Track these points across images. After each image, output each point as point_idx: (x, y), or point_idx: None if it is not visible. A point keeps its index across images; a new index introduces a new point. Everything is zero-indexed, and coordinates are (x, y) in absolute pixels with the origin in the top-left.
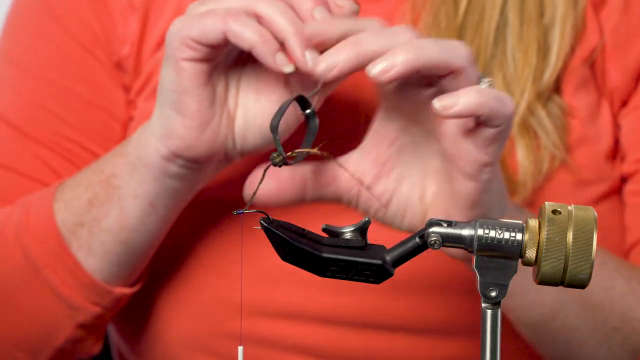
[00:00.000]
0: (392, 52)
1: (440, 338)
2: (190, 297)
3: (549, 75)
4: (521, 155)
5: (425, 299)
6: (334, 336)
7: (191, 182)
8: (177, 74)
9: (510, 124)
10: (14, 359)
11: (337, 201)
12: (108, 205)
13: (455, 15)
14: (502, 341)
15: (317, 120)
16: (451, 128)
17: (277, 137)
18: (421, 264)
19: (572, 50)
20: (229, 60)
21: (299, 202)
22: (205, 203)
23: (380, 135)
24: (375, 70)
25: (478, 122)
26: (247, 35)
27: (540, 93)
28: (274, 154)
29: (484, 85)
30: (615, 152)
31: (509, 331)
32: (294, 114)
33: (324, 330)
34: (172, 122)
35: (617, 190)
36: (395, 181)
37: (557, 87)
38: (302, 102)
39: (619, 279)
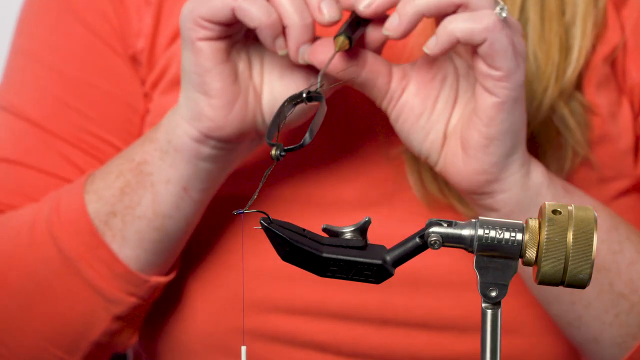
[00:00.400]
0: (397, 8)
1: (458, 334)
2: (206, 295)
3: (571, 72)
4: (543, 153)
5: (443, 295)
6: (351, 333)
7: (224, 163)
8: (195, 54)
9: (498, 37)
10: (50, 355)
11: (374, 99)
12: (141, 193)
13: None
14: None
15: (324, 105)
16: (467, 49)
17: (270, 141)
18: (439, 261)
19: (594, 48)
20: (250, 37)
21: (355, 78)
22: (223, 199)
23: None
24: (388, 31)
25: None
26: (254, 14)
27: (563, 91)
28: (273, 151)
29: (497, 11)
30: (636, 150)
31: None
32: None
33: (341, 327)
34: (199, 103)
35: (637, 188)
36: (431, 103)
37: (578, 84)
38: (309, 93)
39: (629, 246)
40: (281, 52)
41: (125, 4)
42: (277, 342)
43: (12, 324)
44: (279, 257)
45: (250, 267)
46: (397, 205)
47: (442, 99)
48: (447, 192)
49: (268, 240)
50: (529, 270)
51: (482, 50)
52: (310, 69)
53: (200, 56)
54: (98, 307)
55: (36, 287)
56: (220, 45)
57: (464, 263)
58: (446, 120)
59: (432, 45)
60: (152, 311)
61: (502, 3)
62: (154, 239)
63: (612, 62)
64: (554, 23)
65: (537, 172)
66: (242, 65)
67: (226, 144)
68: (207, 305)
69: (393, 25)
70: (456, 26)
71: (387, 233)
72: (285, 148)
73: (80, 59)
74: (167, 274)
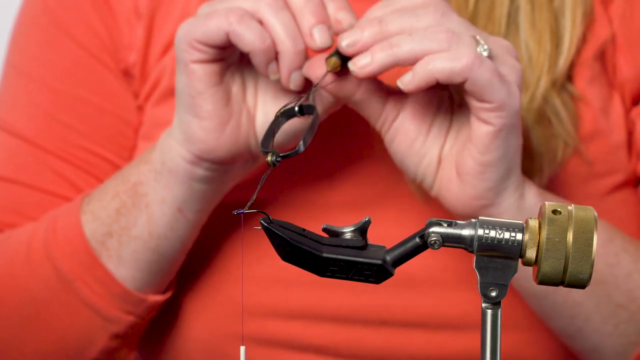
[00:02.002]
0: (371, 50)
1: (456, 333)
2: (205, 302)
3: (562, 62)
4: (536, 143)
5: (439, 294)
6: (349, 335)
7: (218, 184)
8: (188, 76)
9: (478, 74)
10: None
11: (368, 119)
12: (136, 213)
13: (466, 3)
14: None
15: (318, 117)
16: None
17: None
18: (435, 260)
19: (585, 40)
20: (244, 60)
21: (349, 97)
22: (219, 207)
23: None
24: (355, 67)
25: None
26: (248, 39)
27: (555, 80)
28: (268, 157)
29: (478, 50)
30: (629, 145)
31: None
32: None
33: (339, 329)
34: (190, 125)
35: (631, 183)
36: (426, 127)
37: (569, 78)
38: (301, 106)
39: (626, 257)
40: (273, 77)
41: (116, 18)
42: (275, 346)
43: (9, 344)
44: (274, 262)
45: (246, 272)
46: (391, 204)
47: (437, 124)
48: None
49: (263, 245)
50: (528, 285)
51: (467, 88)
52: (304, 92)
53: (193, 78)
54: (96, 326)
55: (33, 306)
56: (213, 68)
57: (460, 262)
58: (441, 145)
59: (407, 81)
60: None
61: (482, 41)
62: (149, 259)
63: (602, 57)
64: (544, 10)
65: (531, 194)
66: (235, 88)
67: (220, 166)
68: (204, 312)
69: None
70: (435, 66)
71: (382, 233)
72: (281, 155)
73: (70, 74)
74: (164, 292)
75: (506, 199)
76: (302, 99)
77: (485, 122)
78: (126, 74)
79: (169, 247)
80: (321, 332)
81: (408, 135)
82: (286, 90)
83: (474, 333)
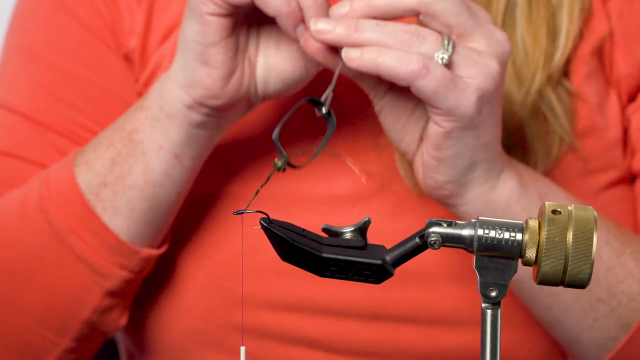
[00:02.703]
0: (364, 51)
1: (448, 328)
2: (196, 290)
3: (559, 57)
4: (531, 139)
5: (432, 289)
6: (342, 329)
7: (214, 129)
8: (203, 27)
9: (422, 83)
10: (40, 337)
11: (363, 88)
12: (132, 161)
13: None
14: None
15: (334, 120)
16: None
17: (279, 145)
18: (429, 254)
19: (582, 36)
20: (253, 13)
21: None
22: (210, 196)
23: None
24: (346, 58)
25: None
26: (273, 3)
27: (551, 76)
28: (277, 160)
29: (435, 57)
30: (625, 142)
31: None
32: (302, 66)
33: (331, 323)
34: (197, 72)
35: (626, 180)
36: (411, 108)
37: (566, 74)
38: (314, 103)
39: (607, 251)
40: (302, 39)
41: (117, 3)
42: (267, 338)
43: (2, 302)
44: (268, 254)
45: (239, 263)
46: (386, 199)
47: (420, 108)
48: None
49: (258, 236)
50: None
51: (413, 91)
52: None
53: (207, 29)
54: (89, 282)
55: (27, 263)
56: (228, 21)
57: (453, 256)
58: (422, 127)
59: (352, 58)
60: (143, 307)
61: (447, 46)
62: (144, 208)
63: (600, 53)
64: (541, 7)
65: (506, 186)
66: (242, 38)
67: (217, 112)
68: (198, 302)
69: (352, 55)
70: (383, 62)
71: (376, 227)
72: (290, 164)
73: (73, 53)
74: (158, 247)
75: (470, 190)
76: (327, 94)
77: (436, 123)
78: (127, 59)
79: (165, 195)
80: (314, 325)
81: (393, 113)
82: (288, 42)
83: (466, 328)
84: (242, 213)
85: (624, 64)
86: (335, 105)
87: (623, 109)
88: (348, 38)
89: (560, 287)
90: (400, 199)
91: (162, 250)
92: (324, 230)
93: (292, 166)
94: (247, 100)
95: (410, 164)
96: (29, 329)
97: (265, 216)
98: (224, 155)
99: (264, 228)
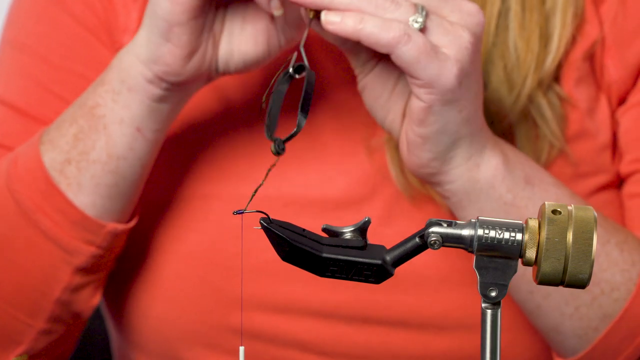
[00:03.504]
0: (345, 16)
1: (437, 332)
2: (190, 291)
3: (550, 62)
4: (520, 144)
5: (422, 292)
6: (332, 331)
7: (174, 103)
8: (173, 6)
9: (403, 50)
10: (13, 319)
11: (351, 64)
12: (94, 137)
13: None
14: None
15: (313, 73)
16: None
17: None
18: (418, 258)
19: (574, 41)
20: None
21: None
22: (205, 197)
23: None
24: (325, 21)
25: None
26: None
27: (542, 81)
28: (272, 146)
29: (410, 20)
30: (614, 146)
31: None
32: (275, 38)
33: (322, 325)
34: (161, 48)
35: (615, 184)
36: (391, 85)
37: (557, 80)
38: (295, 67)
39: None
40: (277, 12)
41: (113, 0)
42: (258, 340)
43: None
44: (260, 255)
45: (234, 263)
46: (379, 201)
47: (400, 84)
48: (427, 184)
49: (251, 237)
50: None
51: (393, 60)
52: (271, 20)
53: (177, 9)
54: (57, 260)
55: None
56: (198, 2)
57: (443, 259)
58: (404, 102)
59: (332, 21)
60: (137, 307)
61: (420, 10)
62: (109, 183)
63: (591, 58)
64: (534, 12)
65: (490, 165)
66: (208, 18)
67: (177, 87)
68: (190, 302)
69: (332, 19)
70: (364, 28)
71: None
72: (284, 139)
73: (66, 48)
74: (127, 221)
75: (454, 167)
76: (289, 60)
77: (417, 97)
78: None
79: (129, 169)
80: (305, 327)
81: (375, 89)
82: (254, 19)
83: (455, 333)
84: (242, 213)
85: (615, 68)
86: (327, 108)
87: (613, 113)
88: (323, 1)
89: None
90: (392, 203)
91: (131, 225)
92: (324, 230)
93: (288, 138)
94: (207, 76)
95: (402, 167)
96: (1, 311)
97: (265, 216)
98: (217, 156)
99: (264, 228)
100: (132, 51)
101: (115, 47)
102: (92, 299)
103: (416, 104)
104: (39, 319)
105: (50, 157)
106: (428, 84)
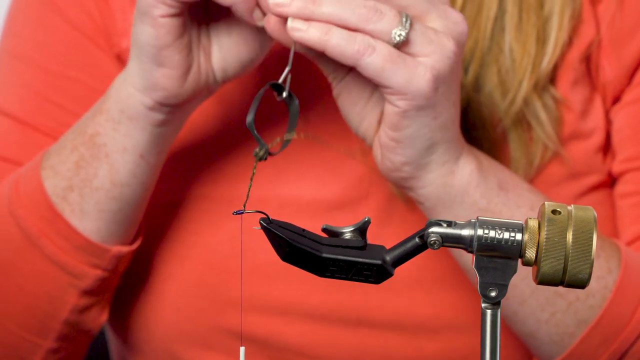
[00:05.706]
0: (311, 25)
1: (430, 334)
2: (186, 292)
3: (546, 64)
4: (513, 147)
5: (415, 294)
6: (326, 334)
7: (177, 123)
8: (156, 29)
9: (367, 62)
10: (22, 340)
11: (323, 71)
12: (96, 165)
13: (453, 4)
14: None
15: (296, 102)
16: None
17: (256, 133)
18: (410, 260)
19: (570, 42)
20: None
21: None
22: (201, 199)
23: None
24: (290, 28)
25: None
26: None
27: (537, 83)
28: (256, 150)
29: (392, 34)
30: (607, 145)
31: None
32: (256, 45)
33: (315, 328)
34: (154, 74)
35: (607, 183)
36: (368, 93)
37: (552, 81)
38: (277, 88)
39: None
40: (259, 23)
41: (110, 5)
42: (252, 342)
43: None
44: (256, 257)
45: (228, 265)
46: (373, 204)
47: (377, 92)
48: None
49: (246, 238)
50: (463, 260)
51: (361, 72)
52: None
53: (161, 31)
54: (63, 283)
55: (2, 268)
56: (179, 20)
57: (436, 260)
58: (380, 110)
59: (298, 28)
60: (132, 308)
61: (404, 22)
62: (113, 209)
63: (587, 58)
64: (532, 15)
65: (465, 171)
66: (193, 33)
67: (179, 107)
68: (186, 304)
69: (298, 26)
70: (329, 40)
71: (387, 233)
72: (270, 152)
73: (63, 55)
74: (130, 243)
75: (428, 173)
76: (285, 75)
77: (391, 103)
78: (119, 59)
79: (132, 194)
80: (299, 329)
81: (351, 96)
82: (238, 25)
83: (447, 335)
84: (242, 213)
85: (610, 68)
86: (320, 111)
87: (607, 112)
88: (305, 10)
89: (518, 279)
90: (387, 204)
91: (135, 246)
92: (324, 230)
93: (272, 154)
94: (206, 90)
95: None
96: (10, 332)
97: (264, 216)
98: (212, 158)
99: (263, 228)
100: (127, 81)
101: (113, 51)
102: (99, 317)
103: (390, 109)
104: (48, 339)
105: (52, 184)
106: (399, 92)
